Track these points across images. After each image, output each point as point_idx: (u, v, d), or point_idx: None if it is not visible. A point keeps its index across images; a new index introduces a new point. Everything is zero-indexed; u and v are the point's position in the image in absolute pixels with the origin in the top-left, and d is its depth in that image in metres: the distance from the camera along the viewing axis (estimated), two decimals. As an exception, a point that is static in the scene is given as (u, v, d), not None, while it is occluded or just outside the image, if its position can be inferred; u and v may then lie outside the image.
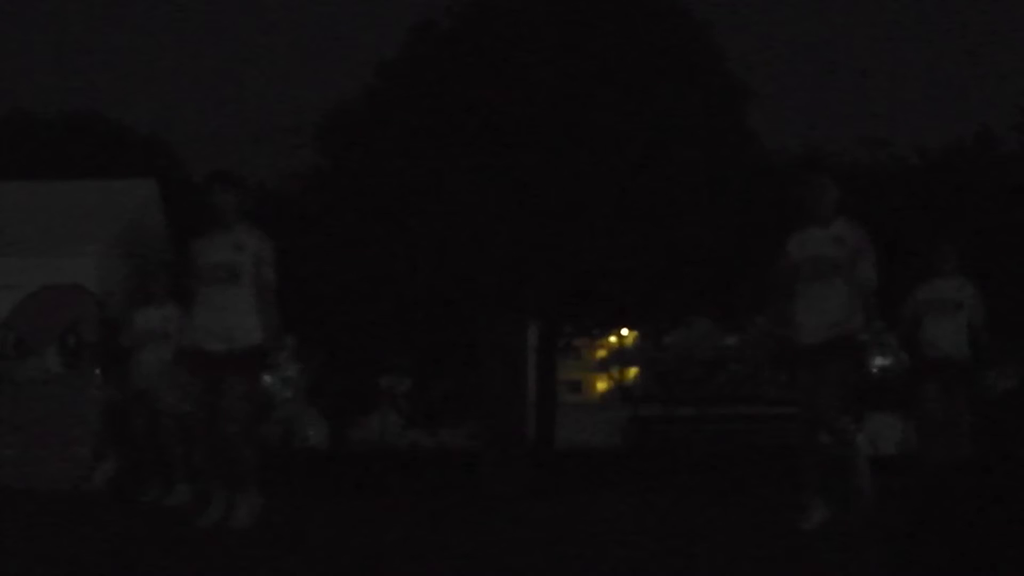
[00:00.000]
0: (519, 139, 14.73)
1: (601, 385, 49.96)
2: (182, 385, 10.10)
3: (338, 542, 7.27)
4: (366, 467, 15.09)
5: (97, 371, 12.42)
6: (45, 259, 12.50)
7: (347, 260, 15.04)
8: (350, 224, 15.22)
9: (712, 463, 14.59)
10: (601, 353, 43.77)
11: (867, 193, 15.52)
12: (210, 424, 7.81)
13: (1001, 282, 12.81)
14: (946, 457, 9.74)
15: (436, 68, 15.44)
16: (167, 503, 10.26)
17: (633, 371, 41.54)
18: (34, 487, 11.26)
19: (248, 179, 17.64)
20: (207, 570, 6.02)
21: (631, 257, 14.59)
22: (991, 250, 14.07)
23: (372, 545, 7.11)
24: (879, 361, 9.92)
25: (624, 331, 27.77)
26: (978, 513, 2.15)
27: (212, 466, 8.04)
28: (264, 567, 6.16)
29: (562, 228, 14.59)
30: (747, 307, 15.77)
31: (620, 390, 37.92)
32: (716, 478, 12.98)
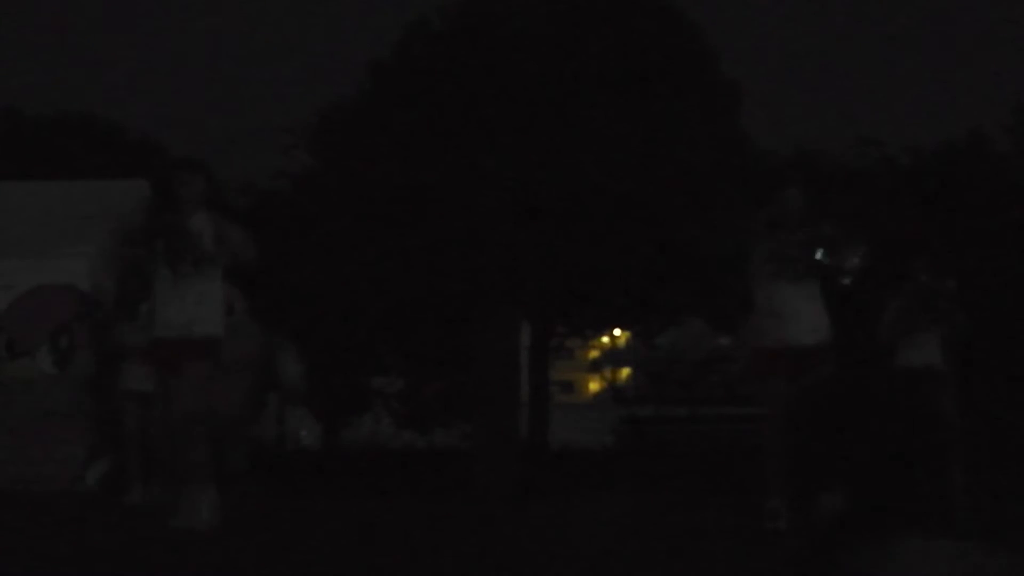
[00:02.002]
0: (512, 139, 14.74)
1: (593, 385, 50.00)
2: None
3: (333, 543, 7.28)
4: (359, 468, 15.08)
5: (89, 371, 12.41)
6: (38, 259, 12.49)
7: (340, 260, 15.03)
8: (343, 224, 15.21)
9: (705, 463, 14.60)
10: (594, 353, 43.78)
11: (859, 194, 15.54)
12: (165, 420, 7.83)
13: (994, 283, 12.84)
14: None
15: (430, 68, 15.44)
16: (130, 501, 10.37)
17: (626, 371, 41.55)
18: (29, 488, 11.25)
19: (241, 179, 17.64)
20: (205, 570, 6.03)
21: (624, 257, 14.61)
22: (984, 251, 14.10)
23: (367, 545, 7.11)
24: None
25: (617, 331, 27.78)
26: None
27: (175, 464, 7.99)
28: (261, 567, 6.17)
29: (555, 228, 14.60)
30: (740, 307, 15.79)
31: (613, 390, 37.92)
32: (709, 478, 12.99)
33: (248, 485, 11.36)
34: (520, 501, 10.57)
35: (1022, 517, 7.43)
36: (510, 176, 14.50)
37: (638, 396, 32.24)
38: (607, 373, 40.90)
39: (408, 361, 18.03)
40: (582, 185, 14.50)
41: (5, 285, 12.40)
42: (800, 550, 2.01)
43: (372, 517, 8.97)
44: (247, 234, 8.05)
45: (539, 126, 14.70)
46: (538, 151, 14.58)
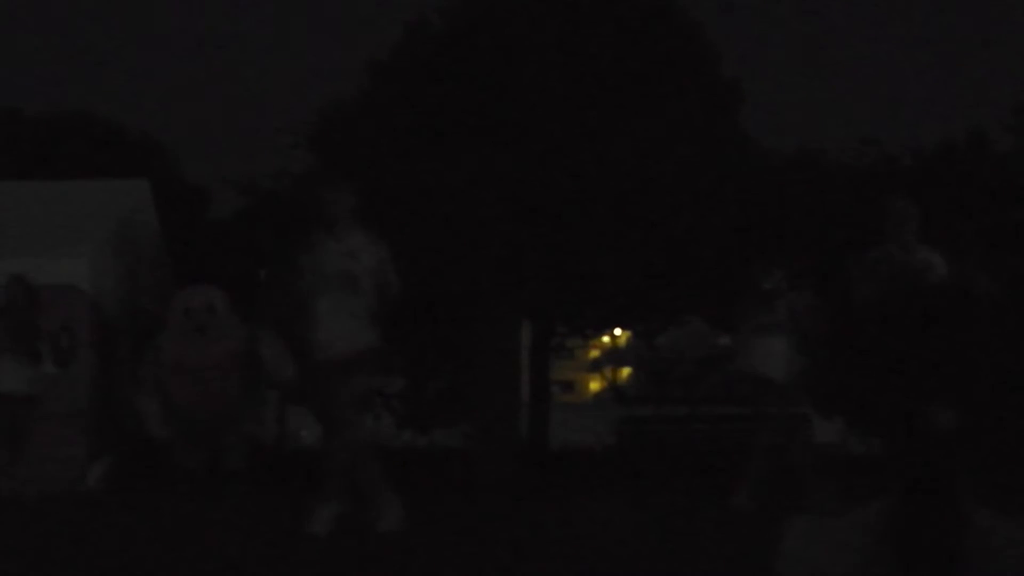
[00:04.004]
0: (513, 139, 14.73)
1: (594, 385, 50.00)
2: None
3: (333, 543, 7.28)
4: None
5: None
6: (38, 259, 12.48)
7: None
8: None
9: (705, 463, 14.60)
10: (594, 353, 43.80)
11: (859, 193, 15.55)
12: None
13: (994, 283, 12.80)
14: None
15: (430, 68, 15.44)
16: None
17: (626, 371, 41.57)
18: (29, 488, 11.24)
19: (242, 179, 17.64)
20: (205, 570, 6.03)
21: (625, 257, 14.61)
22: (984, 251, 14.09)
23: (368, 544, 7.11)
24: None
25: (617, 331, 27.79)
26: None
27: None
28: (263, 567, 6.17)
29: (556, 228, 14.60)
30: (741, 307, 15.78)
31: (613, 390, 37.94)
32: (710, 478, 12.99)
33: (248, 485, 11.36)
34: (520, 501, 10.57)
35: None
36: (511, 175, 14.50)
37: (639, 396, 32.25)
38: (607, 373, 40.90)
39: (408, 361, 18.03)
40: (582, 185, 14.50)
41: (5, 285, 12.39)
42: (907, 470, 1.81)
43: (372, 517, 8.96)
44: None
45: (539, 126, 14.70)
46: (538, 151, 14.58)
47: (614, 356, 40.71)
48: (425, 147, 14.90)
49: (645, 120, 14.82)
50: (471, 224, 14.53)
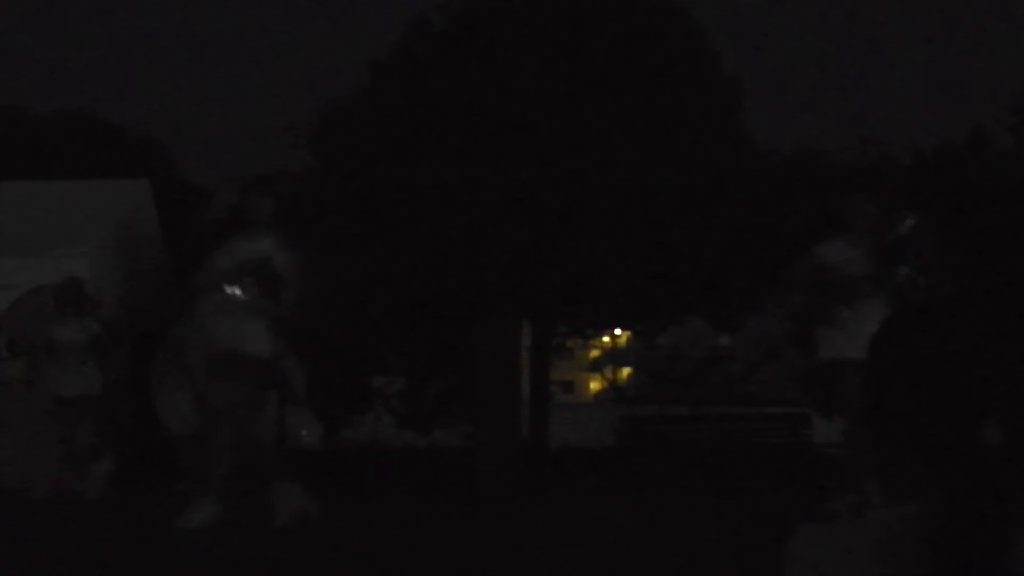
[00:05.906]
0: (513, 139, 14.74)
1: (594, 385, 49.99)
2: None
3: (334, 542, 7.28)
4: (360, 467, 15.08)
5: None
6: (38, 259, 12.50)
7: (340, 260, 15.03)
8: (344, 224, 15.21)
9: (706, 463, 14.60)
10: (594, 353, 43.79)
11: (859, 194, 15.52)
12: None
13: (994, 283, 12.82)
14: None
15: (431, 68, 15.44)
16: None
17: (626, 371, 41.54)
18: (29, 488, 11.25)
19: (242, 179, 17.63)
20: (206, 570, 6.03)
21: (625, 257, 14.61)
22: (985, 251, 14.09)
23: (368, 545, 7.11)
24: None
25: (617, 331, 27.77)
26: None
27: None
28: (262, 567, 6.16)
29: (556, 228, 14.60)
30: (741, 307, 15.78)
31: (613, 390, 37.93)
32: (710, 478, 12.99)
33: (248, 484, 11.36)
34: (520, 501, 10.57)
35: None
36: (511, 175, 14.50)
37: (639, 396, 32.19)
38: (607, 373, 40.91)
39: (409, 361, 18.03)
40: (582, 185, 14.50)
41: (5, 285, 12.41)
42: (960, 489, 1.77)
43: (372, 517, 8.96)
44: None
45: (539, 126, 14.70)
46: (538, 151, 14.58)
47: (614, 356, 40.68)
48: (425, 147, 14.90)
49: (645, 120, 14.81)
50: (471, 224, 14.53)
